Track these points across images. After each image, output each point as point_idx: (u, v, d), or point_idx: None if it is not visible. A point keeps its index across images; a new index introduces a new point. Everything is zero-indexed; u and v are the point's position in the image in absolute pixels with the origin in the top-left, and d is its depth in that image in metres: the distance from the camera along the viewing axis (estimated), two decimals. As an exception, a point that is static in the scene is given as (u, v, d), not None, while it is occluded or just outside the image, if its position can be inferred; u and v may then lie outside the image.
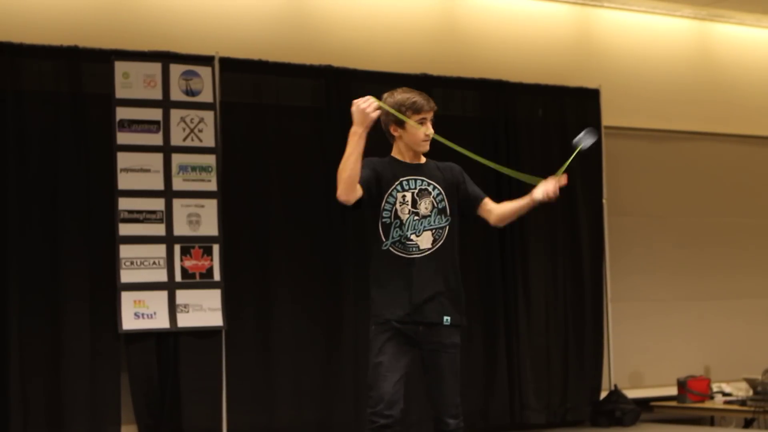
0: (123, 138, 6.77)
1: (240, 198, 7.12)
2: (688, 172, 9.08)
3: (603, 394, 8.13)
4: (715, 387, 8.47)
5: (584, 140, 4.49)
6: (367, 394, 4.48)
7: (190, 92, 6.98)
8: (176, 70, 6.95)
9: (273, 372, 7.08)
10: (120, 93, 6.76)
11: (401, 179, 4.46)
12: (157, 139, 6.87)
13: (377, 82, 7.54)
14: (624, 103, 8.70)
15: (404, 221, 4.43)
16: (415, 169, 4.49)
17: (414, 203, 4.45)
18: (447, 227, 4.46)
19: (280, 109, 7.29)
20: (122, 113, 6.77)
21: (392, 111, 4.39)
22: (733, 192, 9.28)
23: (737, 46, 9.44)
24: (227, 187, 7.05)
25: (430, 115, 4.49)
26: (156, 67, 6.89)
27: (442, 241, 4.44)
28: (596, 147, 8.27)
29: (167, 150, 6.90)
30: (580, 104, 8.32)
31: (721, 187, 9.22)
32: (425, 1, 8.17)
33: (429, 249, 4.42)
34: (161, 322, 6.74)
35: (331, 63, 7.43)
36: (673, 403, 8.40)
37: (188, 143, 6.95)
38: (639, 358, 8.62)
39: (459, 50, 8.19)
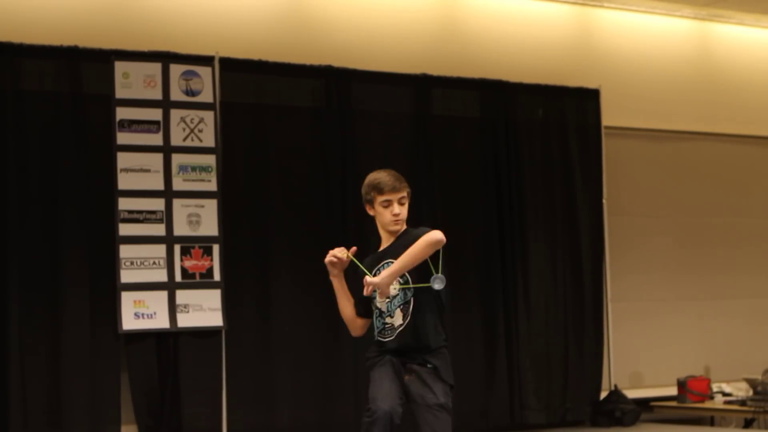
0: (123, 138, 6.77)
1: (240, 198, 7.11)
2: (687, 172, 9.08)
3: (603, 394, 8.12)
4: (715, 387, 8.46)
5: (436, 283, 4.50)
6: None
7: (190, 92, 6.98)
8: (176, 70, 6.95)
9: (273, 372, 7.08)
10: (120, 93, 6.76)
11: (373, 271, 4.59)
12: (157, 139, 6.87)
13: (377, 82, 7.57)
14: (624, 103, 8.70)
15: (383, 309, 4.60)
16: (384, 253, 4.64)
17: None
18: (412, 299, 4.54)
19: (280, 109, 7.29)
20: (122, 113, 6.77)
21: (357, 263, 4.61)
22: (732, 192, 9.28)
23: (737, 46, 9.44)
24: (227, 187, 7.04)
25: (396, 197, 4.60)
26: (156, 67, 6.89)
27: (410, 315, 4.53)
28: (596, 147, 8.33)
29: (167, 150, 6.90)
30: (580, 104, 8.32)
31: (721, 187, 9.22)
32: (425, 1, 8.17)
33: (401, 325, 4.55)
34: (161, 322, 6.74)
35: (331, 63, 7.42)
36: (673, 403, 8.40)
37: (188, 143, 6.95)
38: (639, 358, 8.62)
39: (459, 50, 8.19)
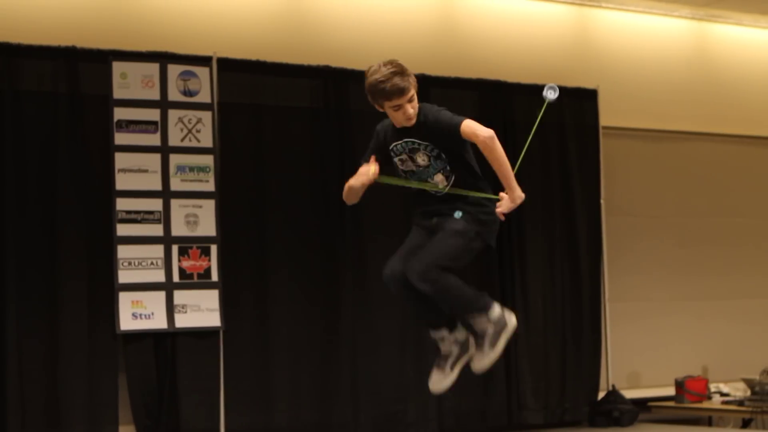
0: (121, 138, 6.76)
1: (238, 198, 7.11)
2: (685, 172, 9.08)
3: (601, 395, 8.12)
4: (712, 387, 8.47)
5: (549, 94, 4.62)
6: None
7: (187, 92, 6.98)
8: (174, 70, 6.94)
9: (271, 372, 7.08)
10: (118, 93, 6.76)
11: (391, 146, 4.58)
12: (155, 139, 6.87)
13: (375, 83, 7.55)
14: (622, 103, 8.70)
15: (415, 171, 4.57)
16: (402, 133, 4.55)
17: (413, 160, 4.56)
18: (447, 165, 4.52)
19: (278, 110, 7.29)
20: (120, 113, 6.77)
21: (392, 182, 4.55)
22: (730, 192, 9.28)
23: (735, 47, 9.45)
24: (225, 187, 7.04)
25: (404, 99, 4.44)
26: (154, 68, 6.89)
27: (451, 175, 4.53)
28: (594, 147, 8.33)
29: (165, 150, 6.90)
30: (578, 104, 8.32)
31: (719, 187, 9.22)
32: (423, 1, 8.17)
33: (446, 184, 4.53)
34: (159, 322, 6.74)
35: (329, 63, 7.42)
36: (671, 404, 8.40)
37: (186, 143, 6.95)
38: (637, 358, 8.62)
39: (457, 50, 8.19)
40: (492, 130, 4.43)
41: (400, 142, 4.56)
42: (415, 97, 4.49)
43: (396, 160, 4.59)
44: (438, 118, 4.50)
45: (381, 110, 4.56)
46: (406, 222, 4.76)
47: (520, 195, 4.55)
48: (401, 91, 4.44)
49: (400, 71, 4.49)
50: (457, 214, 4.52)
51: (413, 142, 4.53)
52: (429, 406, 7.48)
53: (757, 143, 9.43)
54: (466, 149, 4.58)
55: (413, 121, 4.50)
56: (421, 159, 4.53)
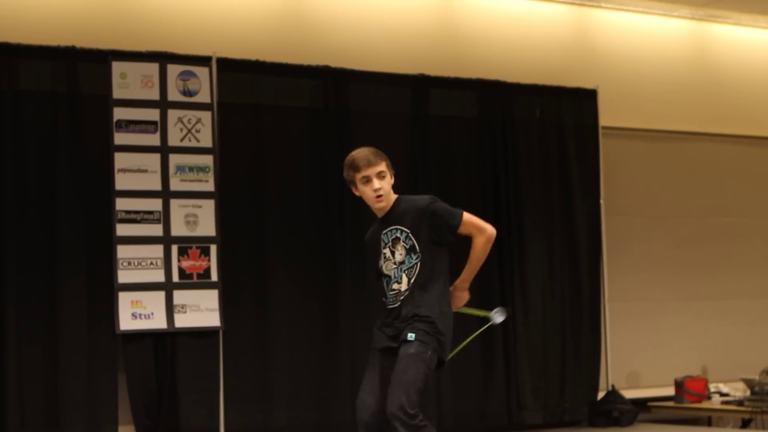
0: (120, 138, 6.76)
1: (237, 198, 7.11)
2: (685, 173, 9.09)
3: (600, 395, 8.12)
4: (712, 387, 8.46)
5: (496, 317, 4.88)
6: None
7: (187, 92, 6.98)
8: (173, 70, 6.94)
9: (270, 372, 7.08)
10: (117, 93, 6.76)
11: (380, 239, 4.66)
12: (154, 139, 6.87)
13: (375, 83, 7.57)
14: (621, 103, 8.71)
15: (391, 275, 4.65)
16: (384, 222, 4.67)
17: (393, 254, 4.64)
18: (418, 264, 4.59)
19: (278, 110, 7.29)
20: (119, 113, 6.77)
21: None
22: (729, 192, 9.28)
23: (734, 47, 9.45)
24: (225, 187, 7.05)
25: (374, 171, 4.58)
26: (153, 68, 6.89)
27: (414, 278, 4.58)
28: (593, 147, 8.34)
29: (165, 150, 6.90)
30: (577, 104, 8.32)
31: (718, 187, 9.23)
32: (423, 1, 8.17)
33: (407, 290, 4.59)
34: (158, 322, 6.74)
35: (329, 63, 7.42)
36: (671, 404, 8.40)
37: (186, 143, 6.95)
38: (636, 358, 8.62)
39: (457, 50, 8.20)
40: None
41: (385, 230, 4.64)
42: (387, 175, 4.63)
43: (384, 255, 4.66)
44: (430, 208, 4.60)
45: (357, 193, 4.68)
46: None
47: (465, 297, 4.76)
48: (368, 162, 4.58)
49: (375, 151, 4.64)
50: (411, 336, 4.52)
51: (396, 230, 4.61)
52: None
53: (757, 143, 9.43)
54: (443, 249, 4.64)
55: (382, 202, 4.60)
56: (399, 254, 4.59)
